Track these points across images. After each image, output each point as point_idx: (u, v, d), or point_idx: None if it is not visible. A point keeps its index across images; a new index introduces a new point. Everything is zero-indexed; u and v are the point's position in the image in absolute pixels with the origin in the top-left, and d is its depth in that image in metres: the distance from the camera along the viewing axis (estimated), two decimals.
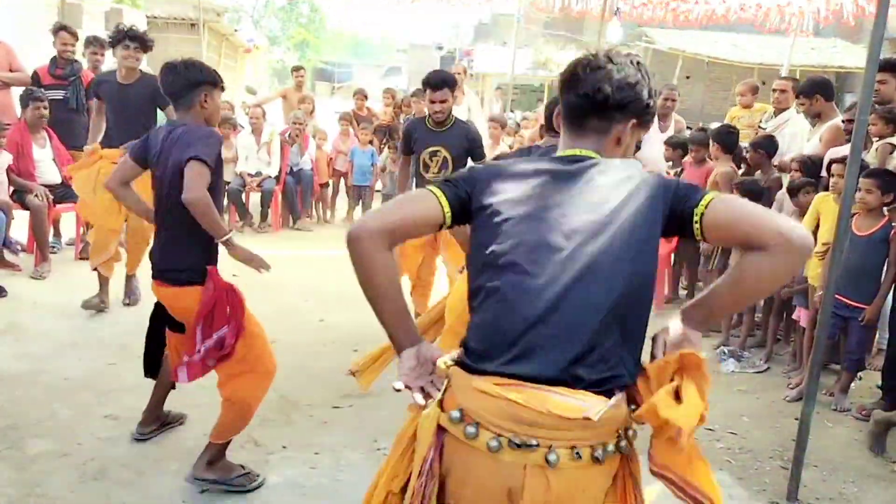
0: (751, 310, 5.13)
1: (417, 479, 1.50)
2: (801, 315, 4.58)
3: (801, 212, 4.57)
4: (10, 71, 6.36)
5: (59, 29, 6.42)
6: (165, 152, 2.86)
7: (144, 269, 3.94)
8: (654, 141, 5.92)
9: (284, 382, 4.07)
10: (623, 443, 1.48)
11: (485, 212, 1.57)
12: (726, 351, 4.92)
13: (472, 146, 4.36)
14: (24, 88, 6.16)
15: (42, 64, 6.44)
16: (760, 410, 4.12)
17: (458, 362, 1.54)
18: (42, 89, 6.06)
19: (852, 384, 4.32)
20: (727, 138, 5.52)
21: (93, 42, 6.61)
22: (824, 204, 4.35)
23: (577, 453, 1.39)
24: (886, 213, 4.07)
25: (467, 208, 1.60)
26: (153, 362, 3.31)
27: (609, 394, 1.44)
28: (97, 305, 4.87)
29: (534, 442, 1.37)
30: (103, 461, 3.14)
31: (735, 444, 3.69)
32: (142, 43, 4.84)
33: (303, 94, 9.42)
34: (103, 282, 4.93)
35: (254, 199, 8.34)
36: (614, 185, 1.53)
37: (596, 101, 1.58)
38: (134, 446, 3.30)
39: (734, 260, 4.89)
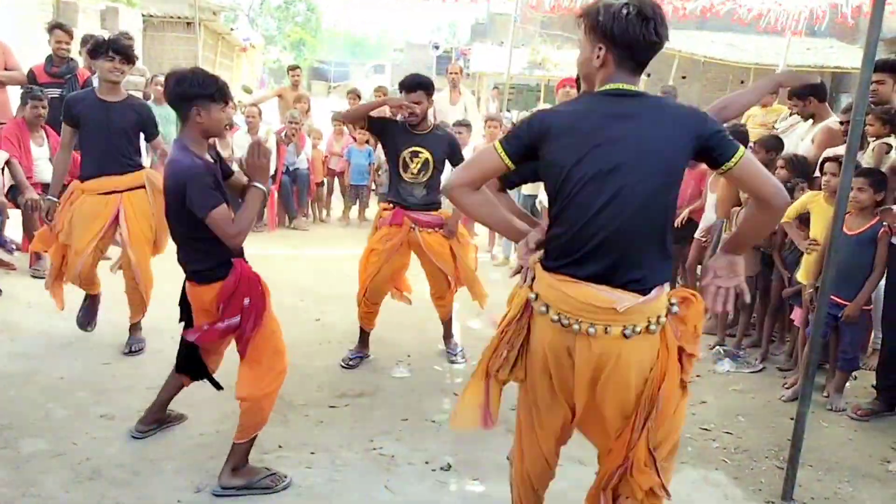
0: (746, 310, 5.14)
1: (507, 325, 2.17)
2: (796, 315, 4.60)
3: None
4: (6, 69, 6.34)
5: (55, 27, 6.40)
6: (166, 170, 2.90)
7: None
8: None
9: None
10: (652, 326, 2.01)
11: (547, 152, 2.01)
12: (722, 351, 4.92)
13: (452, 151, 4.22)
14: (23, 87, 6.13)
15: (38, 62, 6.43)
16: (756, 410, 4.13)
17: (540, 261, 2.12)
18: (39, 88, 6.04)
19: (847, 384, 4.34)
20: (739, 137, 5.50)
21: (89, 41, 6.60)
22: (815, 203, 4.36)
23: (607, 329, 1.98)
24: (877, 212, 4.08)
25: (528, 153, 2.05)
26: (195, 364, 3.23)
27: (645, 291, 1.98)
28: (84, 326, 4.48)
29: (578, 322, 2.00)
30: (98, 461, 3.13)
31: (731, 443, 3.69)
32: (126, 56, 4.09)
33: (299, 93, 9.41)
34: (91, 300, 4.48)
35: None
36: (658, 120, 1.96)
37: (661, 45, 1.98)
38: (129, 446, 3.29)
39: None
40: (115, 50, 4.03)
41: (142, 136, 4.30)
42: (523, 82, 18.89)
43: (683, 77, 20.12)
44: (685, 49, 18.59)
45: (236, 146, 8.12)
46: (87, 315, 4.47)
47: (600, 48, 1.98)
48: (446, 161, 4.25)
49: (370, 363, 4.48)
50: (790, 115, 5.81)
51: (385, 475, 3.19)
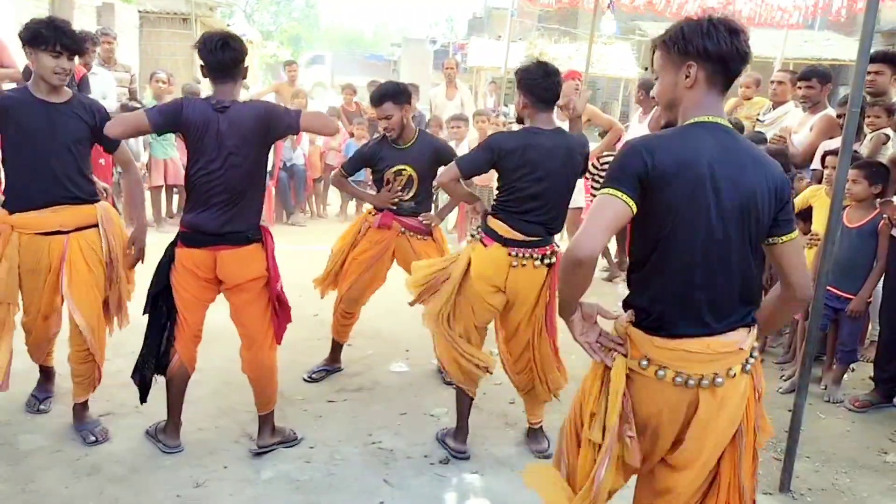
0: None
1: (618, 405, 1.94)
2: None
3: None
4: (1, 66, 6.32)
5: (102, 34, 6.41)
6: (228, 127, 2.92)
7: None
8: (637, 131, 5.91)
9: (279, 377, 4.08)
10: (752, 357, 1.99)
11: (657, 194, 1.82)
12: None
13: (441, 156, 3.94)
14: (18, 84, 6.11)
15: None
16: None
17: (634, 324, 1.96)
18: None
19: (845, 376, 4.34)
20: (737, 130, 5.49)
21: (84, 38, 6.60)
22: (817, 197, 4.36)
23: (730, 373, 1.91)
24: (878, 205, 4.08)
25: (642, 191, 1.82)
26: (164, 360, 3.21)
27: (749, 328, 1.97)
28: (35, 406, 3.55)
29: (703, 377, 1.89)
30: (96, 457, 3.14)
31: None
32: (76, 52, 3.11)
33: (296, 88, 9.39)
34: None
35: None
36: (758, 169, 1.89)
37: (750, 57, 1.92)
38: (127, 442, 3.30)
39: None
40: (63, 45, 3.00)
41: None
42: None
43: None
44: None
45: None
46: (41, 392, 3.58)
47: (690, 66, 1.88)
48: (436, 171, 3.93)
49: (368, 358, 4.49)
50: (773, 107, 5.79)
51: (384, 469, 3.20)
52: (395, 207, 3.98)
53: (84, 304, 3.15)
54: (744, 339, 1.94)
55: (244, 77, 3.08)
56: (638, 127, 6.15)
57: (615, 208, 1.79)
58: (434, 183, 3.92)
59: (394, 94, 3.82)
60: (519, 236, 3.14)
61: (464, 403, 3.38)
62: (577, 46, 17.93)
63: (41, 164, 3.05)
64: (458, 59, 15.92)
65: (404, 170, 3.91)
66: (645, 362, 1.92)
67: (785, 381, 4.37)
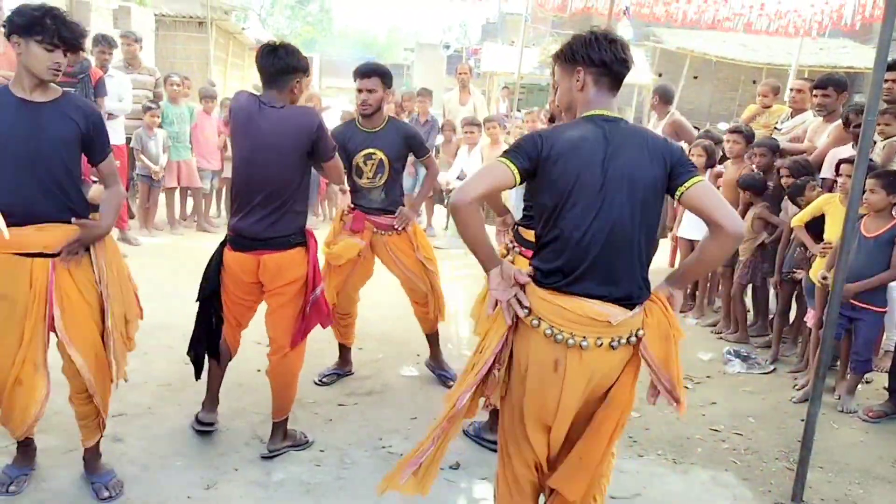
0: (761, 311, 5.12)
1: (496, 343, 2.21)
2: (809, 316, 4.57)
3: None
4: None
5: (100, 39, 6.47)
6: (269, 125, 3.03)
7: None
8: None
9: None
10: (633, 338, 2.14)
11: (548, 172, 2.10)
12: (732, 352, 4.90)
13: (411, 143, 3.98)
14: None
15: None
16: (766, 411, 4.11)
17: (532, 278, 2.17)
18: None
19: (859, 386, 4.31)
20: (747, 138, 5.48)
21: (101, 41, 6.67)
22: (831, 205, 4.33)
23: (599, 342, 2.10)
24: (895, 214, 4.05)
25: (532, 170, 2.12)
26: (213, 346, 3.39)
27: (630, 307, 2.12)
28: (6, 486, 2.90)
29: (573, 336, 2.09)
30: (108, 457, 3.14)
31: (741, 444, 3.68)
32: (74, 48, 2.71)
33: (310, 92, 9.42)
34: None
35: None
36: (639, 146, 2.13)
37: (628, 69, 2.22)
38: (139, 442, 3.31)
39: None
40: (62, 38, 2.62)
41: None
42: (534, 82, 18.89)
43: (695, 77, 20.06)
44: (697, 49, 18.54)
45: None
46: (13, 472, 2.93)
47: (577, 71, 2.20)
48: (406, 157, 4.06)
49: (379, 362, 4.49)
50: (791, 115, 5.78)
51: None
52: (364, 207, 3.96)
53: (80, 339, 2.72)
54: (616, 315, 2.09)
55: (296, 90, 3.11)
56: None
57: (500, 172, 2.10)
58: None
59: (382, 73, 3.87)
60: None
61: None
62: None
63: (25, 173, 2.59)
64: (471, 64, 15.95)
65: (374, 154, 3.88)
66: (525, 311, 2.15)
67: (798, 390, 4.34)
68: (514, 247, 3.27)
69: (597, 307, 2.09)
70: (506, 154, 2.13)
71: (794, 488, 3.18)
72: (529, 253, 3.12)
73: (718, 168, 5.64)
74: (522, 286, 2.16)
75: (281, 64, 3.05)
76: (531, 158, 2.11)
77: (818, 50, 17.05)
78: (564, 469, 2.22)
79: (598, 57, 2.17)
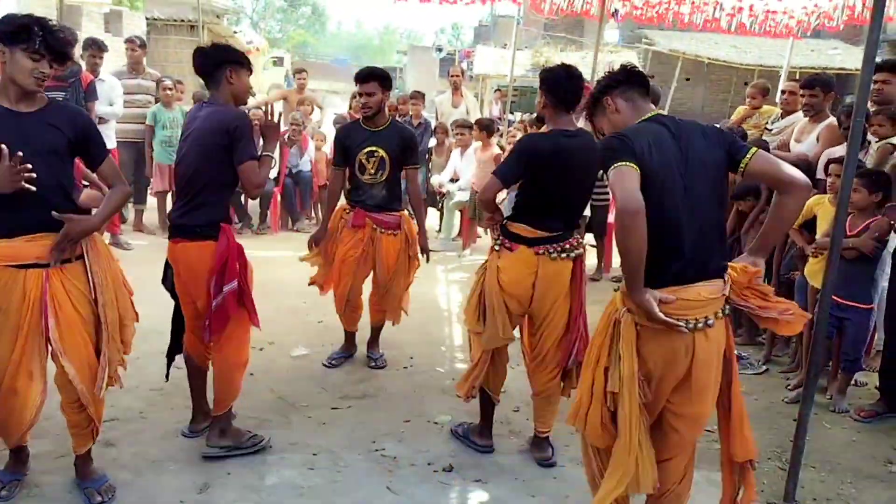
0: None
1: (633, 352, 2.32)
2: None
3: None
4: None
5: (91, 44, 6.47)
6: (198, 123, 3.13)
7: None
8: None
9: (283, 384, 4.10)
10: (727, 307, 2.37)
11: (646, 173, 2.22)
12: None
13: (405, 145, 4.13)
14: None
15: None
16: (758, 412, 4.12)
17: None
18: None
19: (850, 385, 4.33)
20: (743, 139, 5.50)
21: (91, 45, 6.66)
22: (820, 206, 4.35)
23: (719, 315, 2.33)
24: (884, 211, 4.06)
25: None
26: (177, 344, 3.47)
27: (724, 277, 2.35)
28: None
29: (698, 319, 2.28)
30: (101, 462, 3.13)
31: None
32: (61, 58, 2.65)
33: (303, 95, 9.43)
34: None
35: (253, 201, 8.34)
36: (701, 134, 2.38)
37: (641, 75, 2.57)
38: (132, 447, 3.30)
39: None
40: (48, 47, 2.57)
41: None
42: (526, 84, 18.91)
43: (687, 79, 20.13)
44: (689, 51, 18.61)
45: None
46: (6, 477, 2.92)
47: (606, 100, 2.51)
48: (404, 157, 4.18)
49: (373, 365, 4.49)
50: (782, 116, 5.80)
51: (387, 476, 3.20)
52: (364, 203, 4.14)
53: (72, 350, 2.70)
54: (723, 287, 2.33)
55: (232, 81, 3.17)
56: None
57: (630, 174, 2.20)
58: (477, 199, 4.07)
59: (381, 77, 4.07)
60: (543, 234, 3.22)
61: (488, 407, 3.49)
62: (583, 55, 17.96)
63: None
64: (463, 66, 15.97)
65: (376, 151, 4.07)
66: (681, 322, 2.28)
67: (790, 390, 4.35)
68: (502, 242, 3.33)
69: (709, 286, 2.28)
70: (616, 158, 2.22)
71: (786, 488, 3.18)
72: (517, 247, 3.24)
73: None
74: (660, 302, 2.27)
75: (206, 61, 3.17)
76: (633, 155, 2.23)
77: (809, 51, 17.14)
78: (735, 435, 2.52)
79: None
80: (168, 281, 3.34)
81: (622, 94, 2.47)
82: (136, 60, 7.39)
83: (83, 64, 6.71)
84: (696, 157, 2.30)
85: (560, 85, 3.17)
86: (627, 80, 2.48)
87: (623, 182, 2.18)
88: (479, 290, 3.37)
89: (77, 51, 6.55)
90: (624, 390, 2.32)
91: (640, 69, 2.54)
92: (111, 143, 6.79)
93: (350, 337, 4.53)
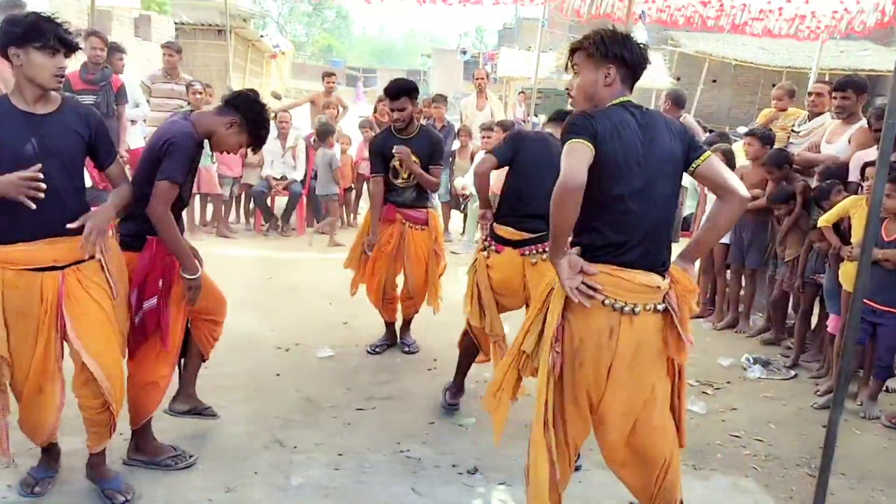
0: (780, 316, 5.08)
1: (555, 321, 2.35)
2: (831, 322, 4.53)
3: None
4: None
5: (90, 34, 6.55)
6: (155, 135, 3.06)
7: None
8: None
9: (309, 384, 4.13)
10: (663, 302, 2.35)
11: (600, 152, 2.22)
12: (752, 358, 4.86)
13: (433, 149, 4.49)
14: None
15: (73, 69, 6.59)
16: (787, 417, 4.08)
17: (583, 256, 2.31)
18: (71, 94, 6.17)
19: (881, 392, 4.26)
20: (767, 140, 5.47)
21: (111, 49, 6.83)
22: (858, 208, 4.28)
23: (648, 307, 2.31)
24: None
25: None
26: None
27: (663, 275, 2.35)
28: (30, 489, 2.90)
29: (626, 303, 2.28)
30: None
31: (761, 450, 3.65)
32: (72, 43, 2.60)
33: (329, 98, 9.48)
34: None
35: (279, 203, 8.42)
36: (664, 127, 2.36)
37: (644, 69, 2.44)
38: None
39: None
40: (60, 39, 2.53)
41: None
42: (551, 87, 18.86)
43: (714, 81, 19.95)
44: (716, 52, 18.43)
45: (266, 151, 8.21)
46: (38, 474, 2.93)
47: (609, 68, 2.35)
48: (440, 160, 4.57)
49: (397, 366, 4.51)
50: (809, 118, 5.73)
51: (412, 478, 3.21)
52: (395, 202, 4.51)
53: (95, 344, 2.66)
54: (661, 281, 2.33)
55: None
56: None
57: (582, 150, 2.22)
58: (474, 172, 4.25)
59: (409, 91, 4.39)
60: (526, 235, 3.42)
61: (465, 361, 3.86)
62: None
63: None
64: (488, 69, 15.97)
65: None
66: (601, 297, 2.29)
67: (820, 396, 4.29)
68: (490, 244, 3.54)
69: (646, 276, 2.30)
70: (576, 133, 2.23)
71: (815, 495, 3.14)
72: (503, 249, 3.46)
73: (738, 169, 5.60)
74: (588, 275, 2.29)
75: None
76: (593, 136, 2.23)
77: (839, 53, 16.91)
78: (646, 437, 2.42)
79: (630, 58, 2.35)
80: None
81: (626, 73, 2.38)
82: (173, 66, 7.52)
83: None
84: (657, 149, 2.31)
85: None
86: (638, 67, 2.40)
87: (571, 157, 2.21)
88: (474, 289, 3.58)
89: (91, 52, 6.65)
90: (542, 354, 2.38)
91: (647, 59, 2.42)
92: (140, 144, 6.92)
93: (389, 327, 4.79)
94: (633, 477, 2.50)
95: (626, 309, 2.28)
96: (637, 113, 2.34)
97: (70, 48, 2.58)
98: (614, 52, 2.33)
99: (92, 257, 2.68)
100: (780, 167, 5.08)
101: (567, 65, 2.47)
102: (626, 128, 2.29)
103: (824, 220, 4.49)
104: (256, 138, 3.12)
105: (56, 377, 2.73)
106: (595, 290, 2.27)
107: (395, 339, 4.80)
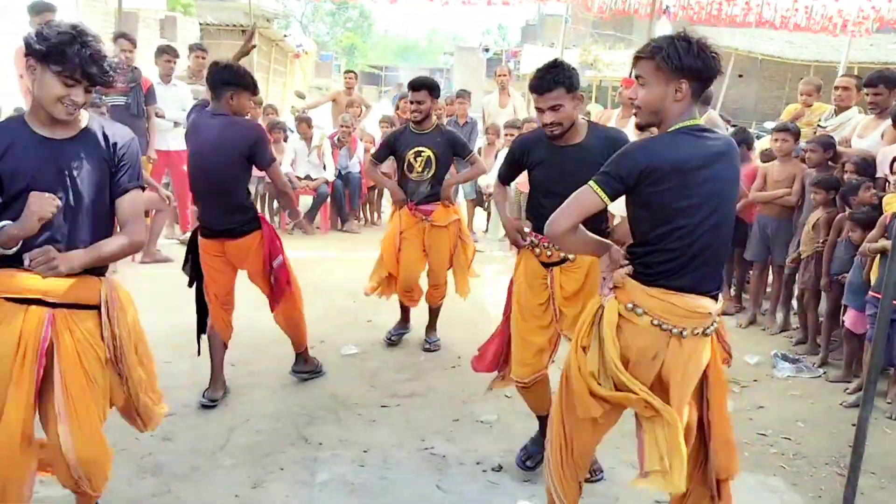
0: (813, 313, 5.02)
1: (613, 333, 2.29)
2: (849, 318, 4.44)
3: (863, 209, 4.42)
4: None
5: (119, 37, 6.65)
6: (222, 129, 3.58)
7: None
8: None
9: (333, 381, 4.16)
10: (714, 326, 2.32)
11: (658, 183, 2.17)
12: (780, 355, 4.81)
13: (454, 146, 4.55)
14: None
15: (144, 79, 6.71)
16: (816, 416, 4.02)
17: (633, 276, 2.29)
18: (103, 96, 6.25)
19: None
20: (794, 134, 5.39)
21: (166, 51, 6.95)
22: (893, 204, 4.19)
23: (694, 331, 2.26)
24: None
25: (625, 190, 2.21)
26: (202, 322, 3.85)
27: (715, 298, 2.32)
28: None
29: (675, 326, 2.25)
30: (159, 456, 3.24)
31: (789, 449, 3.61)
32: (101, 80, 2.23)
33: (352, 97, 9.53)
34: None
35: (303, 202, 8.47)
36: (725, 153, 2.28)
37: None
38: (189, 442, 3.39)
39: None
40: (86, 75, 2.17)
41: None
42: None
43: (740, 75, 19.72)
44: (742, 47, 18.22)
45: (289, 150, 8.27)
46: None
47: (681, 83, 2.18)
48: (452, 157, 4.61)
49: (420, 364, 4.52)
50: (836, 112, 5.64)
51: (437, 475, 3.22)
52: (411, 199, 4.52)
53: (73, 414, 2.24)
54: (714, 307, 2.30)
55: (226, 100, 3.61)
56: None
57: (592, 200, 2.26)
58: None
59: (431, 87, 4.49)
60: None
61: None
62: (632, 52, 17.74)
63: (45, 224, 2.20)
64: (510, 66, 15.92)
65: (423, 151, 4.46)
66: (630, 305, 2.27)
67: (849, 394, 4.23)
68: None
69: (699, 301, 2.26)
70: (599, 180, 2.20)
71: (844, 494, 3.10)
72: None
73: (765, 165, 5.53)
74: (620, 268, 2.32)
75: (214, 77, 3.61)
76: (624, 185, 2.19)
77: (868, 46, 16.60)
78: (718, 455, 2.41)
79: (706, 72, 2.20)
80: (190, 268, 3.77)
81: (699, 88, 2.22)
82: (201, 67, 7.57)
83: (158, 69, 6.96)
84: (719, 176, 2.22)
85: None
86: (711, 80, 2.24)
87: (571, 201, 2.24)
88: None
89: (139, 55, 6.74)
90: (617, 373, 2.28)
91: (721, 70, 2.26)
92: (181, 146, 7.03)
93: (404, 313, 4.86)
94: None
95: (675, 331, 2.24)
96: (702, 137, 2.22)
97: (94, 82, 2.22)
98: (689, 65, 2.16)
99: (90, 306, 2.29)
100: (825, 149, 5.00)
101: (630, 73, 2.35)
102: (692, 161, 2.18)
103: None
104: (244, 82, 3.62)
105: (27, 450, 2.24)
106: (610, 289, 2.31)
107: (408, 326, 4.88)
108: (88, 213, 2.29)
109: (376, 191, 9.12)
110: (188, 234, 7.18)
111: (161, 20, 14.19)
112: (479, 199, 8.37)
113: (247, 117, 3.81)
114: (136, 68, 6.67)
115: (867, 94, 5.04)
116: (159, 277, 5.83)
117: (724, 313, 2.56)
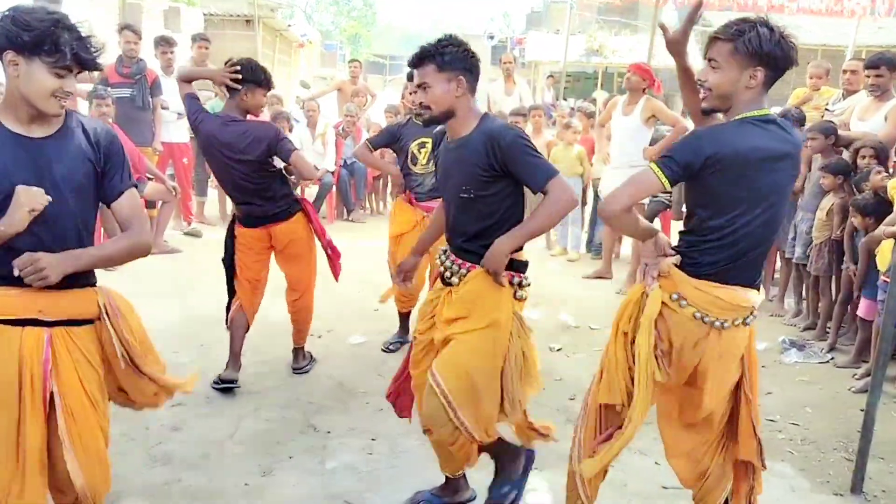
0: (826, 298, 5.00)
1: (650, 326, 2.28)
2: (863, 306, 4.43)
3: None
4: None
5: (124, 28, 6.65)
6: (239, 138, 3.66)
7: None
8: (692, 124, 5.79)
9: (341, 370, 4.18)
10: (754, 316, 2.33)
11: (718, 175, 2.13)
12: (788, 341, 4.80)
13: None
14: (90, 87, 6.36)
15: (108, 63, 6.68)
16: (824, 401, 4.02)
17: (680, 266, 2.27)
18: (108, 88, 6.25)
19: None
20: (798, 120, 5.37)
21: (161, 42, 6.93)
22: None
23: (735, 322, 2.27)
24: None
25: (689, 175, 2.16)
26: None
27: (757, 289, 2.31)
28: None
29: (717, 319, 2.24)
30: (169, 445, 3.26)
31: (797, 434, 3.61)
32: (91, 65, 2.05)
33: (357, 86, 9.50)
34: None
35: (308, 192, 8.47)
36: (784, 141, 2.23)
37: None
38: (198, 431, 3.41)
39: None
40: (79, 59, 1.99)
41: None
42: (580, 69, 18.69)
43: None
44: None
45: (295, 139, 8.25)
46: None
47: (756, 70, 2.12)
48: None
49: None
50: (843, 96, 5.60)
51: None
52: (415, 194, 4.40)
53: (79, 439, 2.10)
54: (757, 299, 2.31)
55: (240, 97, 3.69)
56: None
57: (651, 182, 2.21)
58: None
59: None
60: None
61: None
62: (639, 38, 17.63)
63: (27, 229, 1.97)
64: (515, 53, 15.85)
65: (427, 142, 4.27)
66: (675, 295, 2.25)
67: (857, 379, 4.23)
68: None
69: (743, 294, 2.25)
70: (660, 163, 2.16)
71: (853, 479, 3.10)
72: None
73: None
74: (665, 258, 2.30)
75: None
76: (687, 167, 2.13)
77: (877, 29, 16.43)
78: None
79: (784, 64, 2.15)
80: (229, 257, 3.92)
81: (773, 77, 2.17)
82: (205, 57, 7.58)
83: (158, 62, 6.95)
84: (779, 171, 2.19)
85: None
86: (786, 70, 2.17)
87: (631, 182, 2.20)
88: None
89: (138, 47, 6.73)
90: (641, 363, 2.28)
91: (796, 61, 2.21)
92: (185, 138, 7.04)
93: (405, 320, 4.69)
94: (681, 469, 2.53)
95: (717, 324, 2.24)
96: (769, 129, 2.16)
97: (88, 68, 2.06)
98: (768, 51, 2.09)
99: (89, 321, 2.14)
100: (826, 135, 4.97)
101: (704, 54, 2.21)
102: (756, 152, 2.12)
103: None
104: (260, 79, 3.69)
105: (45, 476, 2.10)
106: (654, 279, 2.30)
107: (407, 336, 4.60)
108: (72, 217, 2.06)
109: (381, 180, 9.12)
110: (194, 226, 7.28)
111: (165, 11, 14.17)
112: None
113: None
114: (141, 60, 6.67)
115: (868, 76, 5.01)
116: (166, 269, 5.86)
117: None
